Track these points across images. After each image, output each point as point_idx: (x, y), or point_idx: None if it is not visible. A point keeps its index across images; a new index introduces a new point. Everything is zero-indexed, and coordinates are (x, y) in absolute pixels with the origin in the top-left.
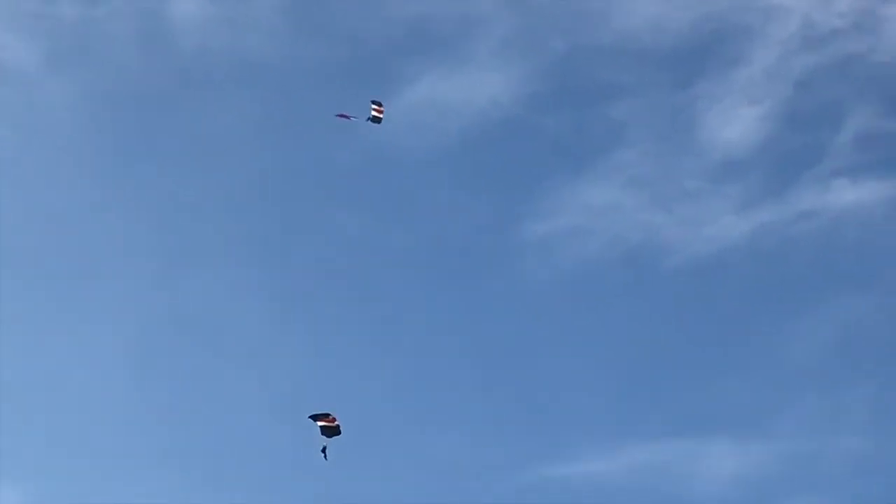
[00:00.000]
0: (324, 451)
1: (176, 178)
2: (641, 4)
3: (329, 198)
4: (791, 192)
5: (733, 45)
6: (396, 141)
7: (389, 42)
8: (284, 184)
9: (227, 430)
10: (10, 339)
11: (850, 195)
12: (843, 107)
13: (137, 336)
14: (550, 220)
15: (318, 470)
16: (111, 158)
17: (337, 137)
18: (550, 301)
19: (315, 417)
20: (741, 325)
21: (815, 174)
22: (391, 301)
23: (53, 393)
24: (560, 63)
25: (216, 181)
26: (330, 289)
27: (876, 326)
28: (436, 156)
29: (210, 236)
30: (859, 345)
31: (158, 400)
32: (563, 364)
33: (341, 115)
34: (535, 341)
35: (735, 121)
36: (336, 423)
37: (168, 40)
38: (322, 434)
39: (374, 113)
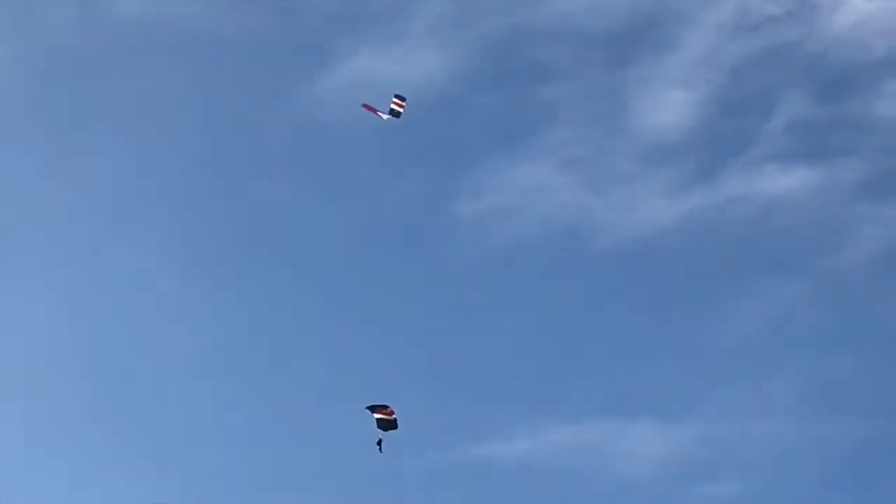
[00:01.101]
0: (379, 443)
1: (109, 146)
2: None
3: (262, 170)
4: (721, 177)
5: (668, 29)
6: (331, 116)
7: (326, 16)
8: (218, 155)
9: (158, 393)
10: None
11: (779, 182)
12: (776, 94)
13: (70, 304)
14: (483, 199)
15: (244, 435)
16: (45, 124)
17: (271, 110)
18: (481, 279)
19: (372, 409)
20: (669, 308)
21: (746, 160)
22: (321, 275)
23: None
24: (496, 42)
25: (149, 150)
26: (260, 261)
27: (802, 312)
28: (369, 133)
29: (142, 205)
30: (785, 330)
31: (89, 366)
32: (491, 343)
33: (367, 107)
34: (465, 319)
35: (668, 105)
36: (393, 416)
37: (105, 7)
38: (378, 427)
39: (394, 106)
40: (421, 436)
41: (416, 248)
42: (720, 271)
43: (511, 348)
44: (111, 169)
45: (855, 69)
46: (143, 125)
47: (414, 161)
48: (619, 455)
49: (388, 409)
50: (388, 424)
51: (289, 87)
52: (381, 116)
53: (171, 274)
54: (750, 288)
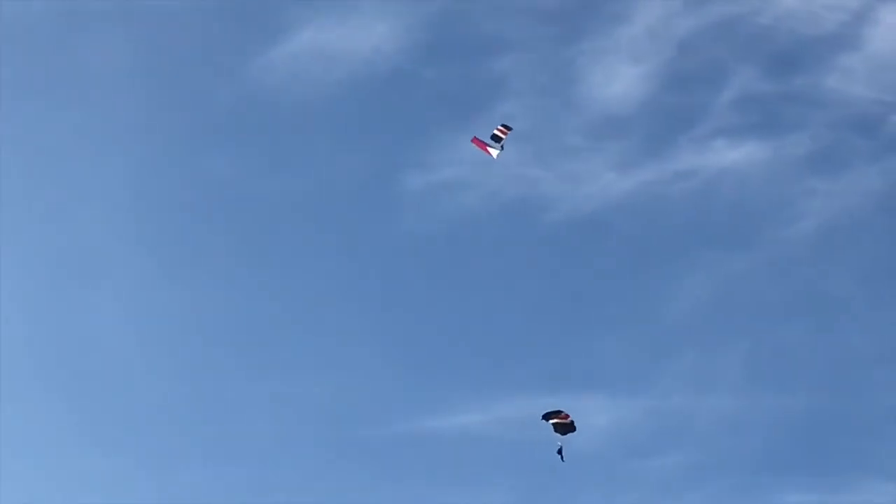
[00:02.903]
0: (560, 452)
1: (51, 115)
2: None
3: (208, 142)
4: (670, 151)
5: (618, 2)
6: (278, 88)
7: None
8: (163, 126)
9: (96, 357)
10: None
11: (728, 155)
12: (725, 68)
13: (18, 272)
14: (432, 172)
15: (189, 404)
16: None
17: (219, 80)
18: (429, 253)
19: (547, 417)
20: (619, 282)
21: (695, 134)
22: (267, 247)
23: None
24: (445, 15)
25: (91, 119)
26: (206, 232)
27: (751, 285)
28: (317, 104)
29: (86, 174)
30: (734, 303)
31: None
32: (439, 316)
33: (477, 143)
34: (413, 293)
35: (617, 79)
36: (569, 419)
37: None
38: (556, 432)
39: (498, 133)
40: (373, 407)
41: (365, 220)
42: (670, 244)
43: (460, 321)
44: (54, 137)
45: (805, 43)
46: (86, 95)
47: (363, 133)
48: None
49: (563, 414)
50: (566, 428)
51: (237, 58)
52: (490, 153)
53: (115, 244)
54: (699, 261)
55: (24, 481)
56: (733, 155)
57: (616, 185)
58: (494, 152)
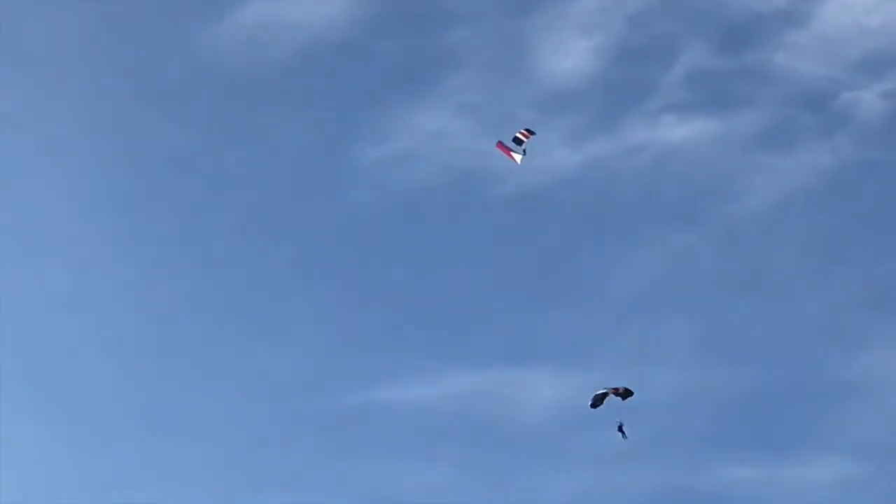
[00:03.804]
0: (621, 428)
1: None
2: None
3: (157, 112)
4: (621, 126)
5: None
6: (229, 59)
7: None
8: (111, 96)
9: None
10: None
11: (678, 131)
12: (676, 43)
13: None
14: (383, 144)
15: (138, 382)
16: None
17: (168, 52)
18: (380, 225)
19: (598, 400)
20: (568, 256)
21: (646, 109)
22: (218, 219)
23: None
24: None
25: (39, 91)
26: (153, 204)
27: (699, 260)
28: (269, 75)
29: (32, 146)
30: (683, 278)
31: None
32: (389, 289)
33: (502, 147)
34: (364, 266)
35: (568, 53)
36: (620, 389)
37: None
38: (618, 395)
39: (521, 136)
40: (323, 379)
41: (315, 193)
42: (619, 219)
43: (411, 294)
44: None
45: (755, 19)
46: (34, 67)
47: (314, 105)
48: (516, 402)
49: (615, 388)
50: (625, 393)
51: (187, 28)
52: (514, 159)
53: (61, 214)
54: (648, 236)
55: None
56: (683, 131)
57: (566, 160)
58: (518, 157)
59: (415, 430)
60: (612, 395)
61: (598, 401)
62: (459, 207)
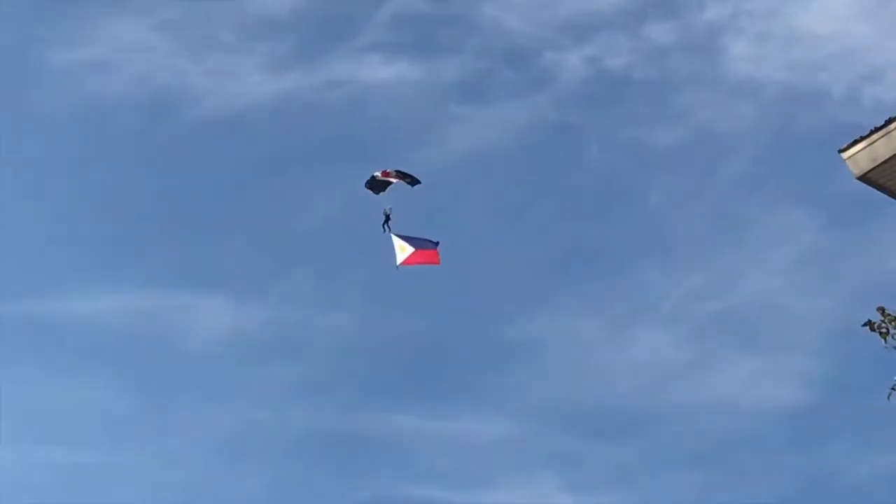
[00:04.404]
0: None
1: None
2: None
3: None
4: (323, 60)
5: None
6: None
7: None
8: None
9: None
10: None
11: (380, 72)
12: None
13: None
14: (76, 50)
15: None
16: None
17: None
18: (71, 132)
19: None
20: (254, 185)
21: (350, 46)
22: None
23: None
24: None
25: None
26: None
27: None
28: None
29: None
30: (360, 222)
31: None
32: (68, 200)
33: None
34: (44, 175)
35: None
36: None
37: None
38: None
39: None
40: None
41: (1, 95)
42: (310, 154)
43: (90, 208)
44: None
45: None
46: None
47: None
48: (187, 327)
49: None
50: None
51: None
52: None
53: None
54: (337, 175)
55: None
56: (385, 72)
57: (263, 87)
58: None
59: (76, 346)
60: (397, 182)
61: (378, 185)
62: (150, 124)
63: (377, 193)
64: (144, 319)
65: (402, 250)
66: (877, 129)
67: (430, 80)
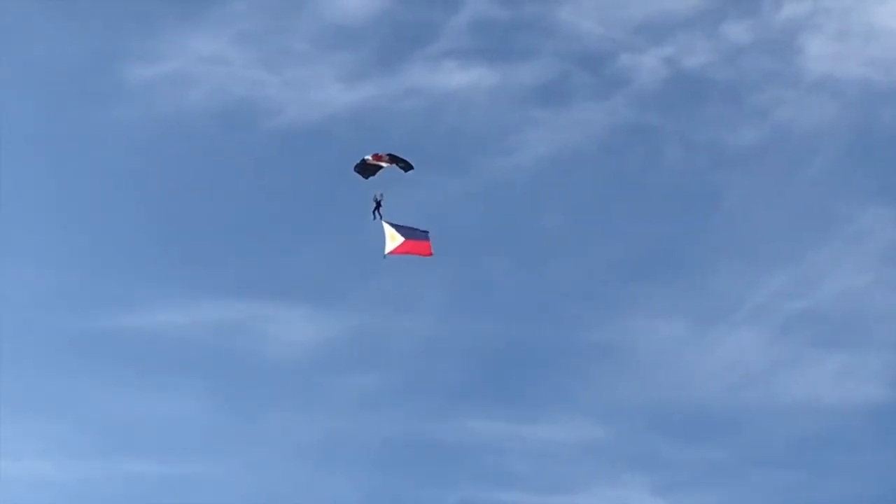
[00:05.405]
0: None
1: None
2: None
3: None
4: (400, 67)
5: None
6: None
7: None
8: None
9: None
10: None
11: (457, 78)
12: None
13: None
14: (153, 65)
15: None
16: None
17: None
18: (147, 148)
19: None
20: (333, 193)
21: (427, 53)
22: None
23: None
24: None
25: None
26: None
27: (461, 211)
28: None
29: None
30: (444, 228)
31: None
32: (148, 213)
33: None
34: (126, 188)
35: None
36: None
37: None
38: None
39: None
40: (72, 302)
41: (81, 110)
42: None
43: (171, 220)
44: None
45: None
46: None
47: (82, 20)
48: (269, 337)
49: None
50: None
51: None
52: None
53: None
54: (413, 181)
55: None
56: (462, 78)
57: (342, 96)
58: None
59: (163, 358)
60: (388, 167)
61: (368, 169)
62: (230, 136)
63: (367, 178)
64: (229, 331)
65: (393, 239)
66: None
67: (507, 84)
